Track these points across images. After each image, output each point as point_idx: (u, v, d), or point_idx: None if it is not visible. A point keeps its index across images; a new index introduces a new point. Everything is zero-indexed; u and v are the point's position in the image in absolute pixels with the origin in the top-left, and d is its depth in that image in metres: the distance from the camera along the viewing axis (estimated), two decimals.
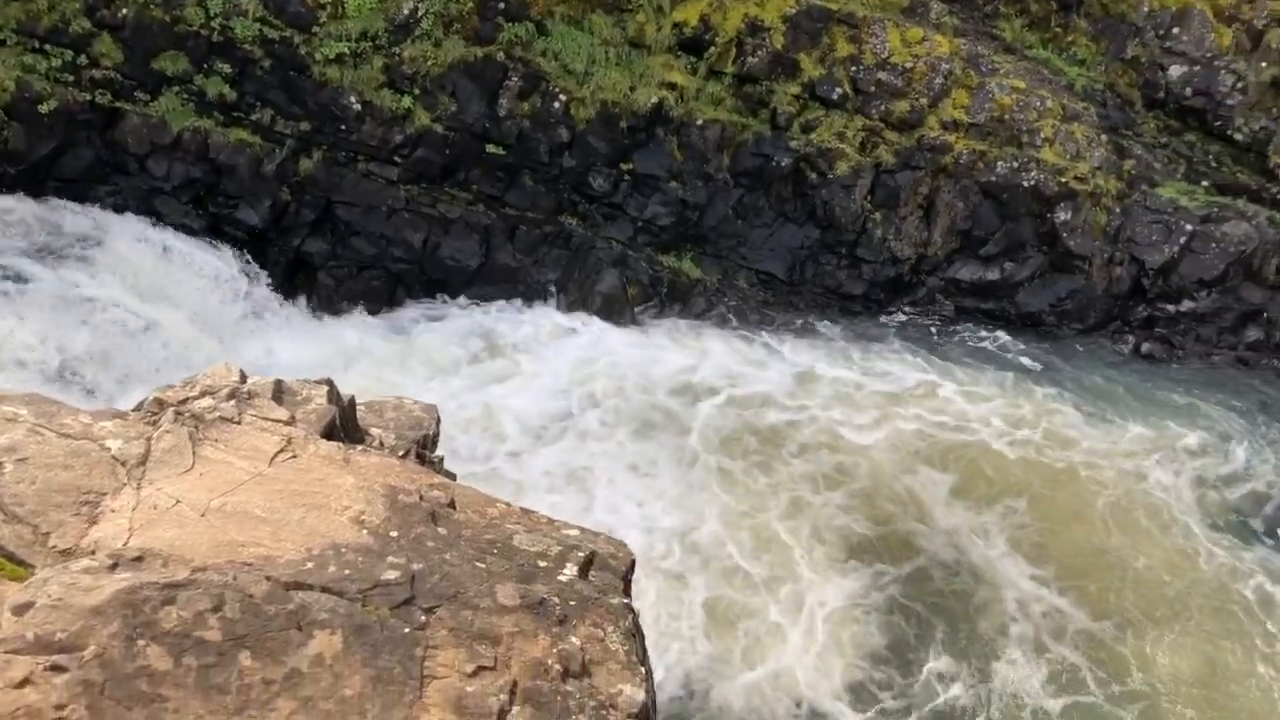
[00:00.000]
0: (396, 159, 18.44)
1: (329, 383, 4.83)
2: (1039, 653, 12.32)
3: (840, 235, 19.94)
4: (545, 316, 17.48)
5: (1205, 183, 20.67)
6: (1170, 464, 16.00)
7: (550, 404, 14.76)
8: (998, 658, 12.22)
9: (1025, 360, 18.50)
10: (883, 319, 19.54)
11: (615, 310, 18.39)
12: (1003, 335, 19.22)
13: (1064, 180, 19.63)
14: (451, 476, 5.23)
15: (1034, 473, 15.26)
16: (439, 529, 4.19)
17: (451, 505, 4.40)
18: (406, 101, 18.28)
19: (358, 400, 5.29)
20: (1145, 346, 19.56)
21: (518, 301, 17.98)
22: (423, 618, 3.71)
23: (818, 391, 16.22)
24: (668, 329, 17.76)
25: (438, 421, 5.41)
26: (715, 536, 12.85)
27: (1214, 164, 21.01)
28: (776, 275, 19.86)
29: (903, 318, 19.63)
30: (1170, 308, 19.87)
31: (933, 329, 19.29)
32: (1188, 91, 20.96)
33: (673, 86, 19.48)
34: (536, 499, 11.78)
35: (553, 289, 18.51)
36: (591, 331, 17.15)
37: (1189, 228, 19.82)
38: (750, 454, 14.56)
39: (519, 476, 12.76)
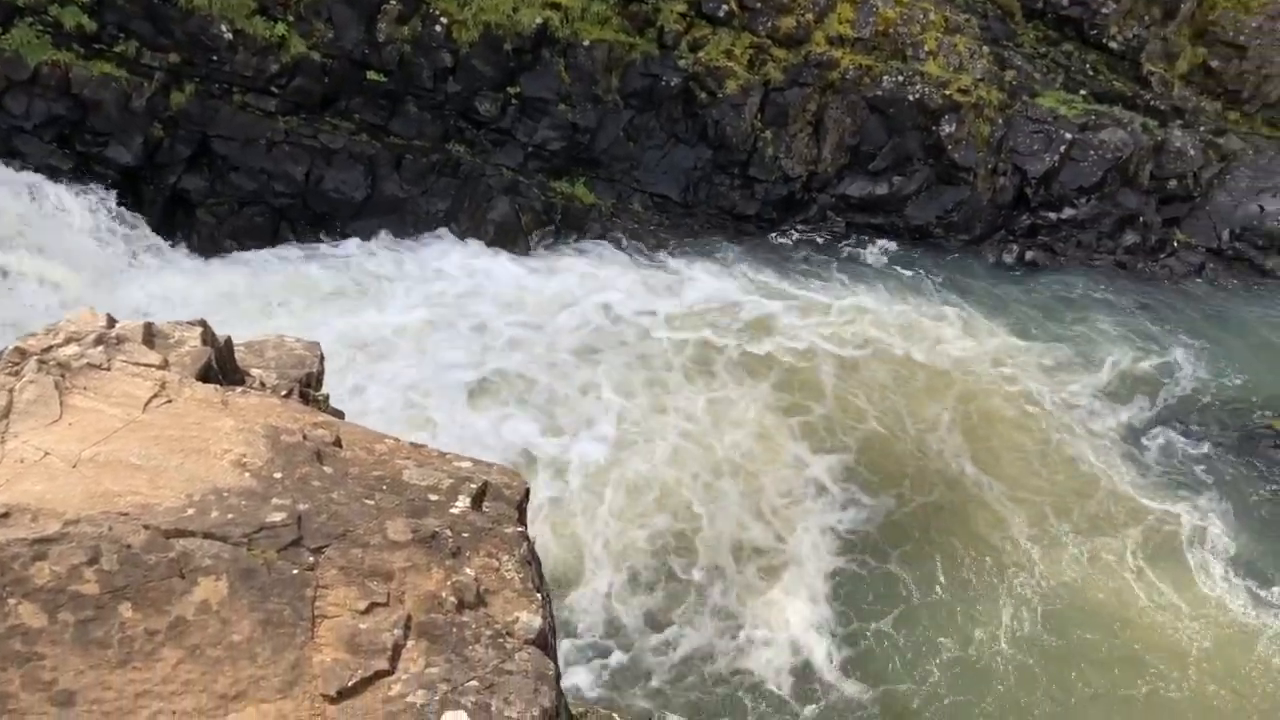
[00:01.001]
0: (273, 89, 17.76)
1: (203, 323, 4.66)
2: (920, 549, 12.75)
3: (732, 155, 19.93)
4: (436, 247, 17.15)
5: (1083, 91, 21.15)
6: (1049, 366, 16.59)
7: (444, 337, 14.56)
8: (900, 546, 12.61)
9: (913, 272, 18.88)
10: (777, 238, 19.70)
11: (509, 239, 18.15)
12: (893, 248, 19.55)
13: (948, 93, 19.89)
14: (339, 415, 5.12)
15: (920, 379, 15.67)
16: (325, 468, 4.10)
17: (337, 443, 4.31)
18: (280, 29, 17.56)
19: (237, 341, 5.12)
20: (1029, 254, 20.11)
21: (407, 233, 17.59)
22: (311, 558, 3.64)
23: (714, 312, 16.33)
24: (562, 255, 17.63)
25: (321, 359, 5.28)
26: (613, 457, 12.94)
27: (1091, 72, 21.50)
28: (671, 197, 19.81)
29: (796, 236, 19.80)
30: (1052, 215, 20.42)
31: (825, 246, 19.52)
32: (1065, 1, 21.33)
33: (557, 6, 19.09)
34: (431, 434, 11.69)
35: (443, 219, 18.16)
36: (484, 261, 16.92)
37: (1068, 136, 20.31)
38: (648, 375, 14.62)
39: (408, 411, 12.60)
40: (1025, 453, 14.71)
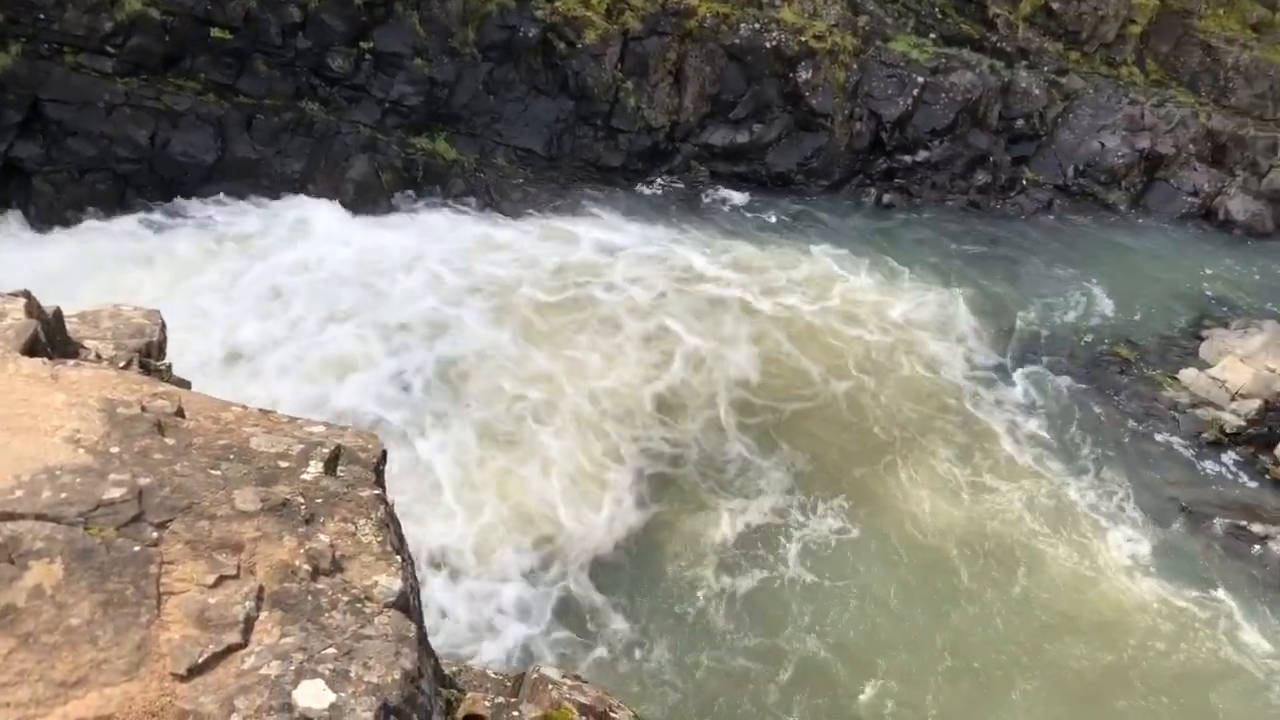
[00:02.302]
0: (109, 49, 16.83)
1: (26, 294, 4.41)
2: (797, 481, 13.05)
3: (594, 106, 19.82)
4: (292, 209, 16.60)
5: (933, 35, 21.65)
6: (907, 306, 17.08)
7: (294, 302, 14.13)
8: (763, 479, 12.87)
9: (775, 219, 19.14)
10: (643, 189, 19.69)
11: (369, 198, 17.69)
12: (756, 196, 19.77)
13: (803, 39, 20.11)
14: (185, 385, 4.93)
15: (781, 322, 15.95)
16: (167, 439, 3.94)
17: (180, 414, 4.15)
18: None
19: (69, 312, 4.87)
20: (887, 197, 20.60)
21: (262, 195, 16.96)
22: (154, 534, 3.51)
23: (580, 265, 16.26)
24: (424, 213, 17.28)
25: (162, 327, 5.06)
26: (471, 421, 12.86)
27: (940, 16, 22.00)
28: (535, 151, 19.60)
29: (662, 186, 19.84)
30: (907, 158, 20.94)
31: (690, 195, 19.62)
32: None
33: None
34: (290, 400, 11.39)
35: (300, 180, 17.58)
36: (341, 222, 16.45)
37: (920, 80, 20.79)
38: (513, 332, 14.52)
39: (254, 381, 12.20)
40: (892, 390, 15.13)
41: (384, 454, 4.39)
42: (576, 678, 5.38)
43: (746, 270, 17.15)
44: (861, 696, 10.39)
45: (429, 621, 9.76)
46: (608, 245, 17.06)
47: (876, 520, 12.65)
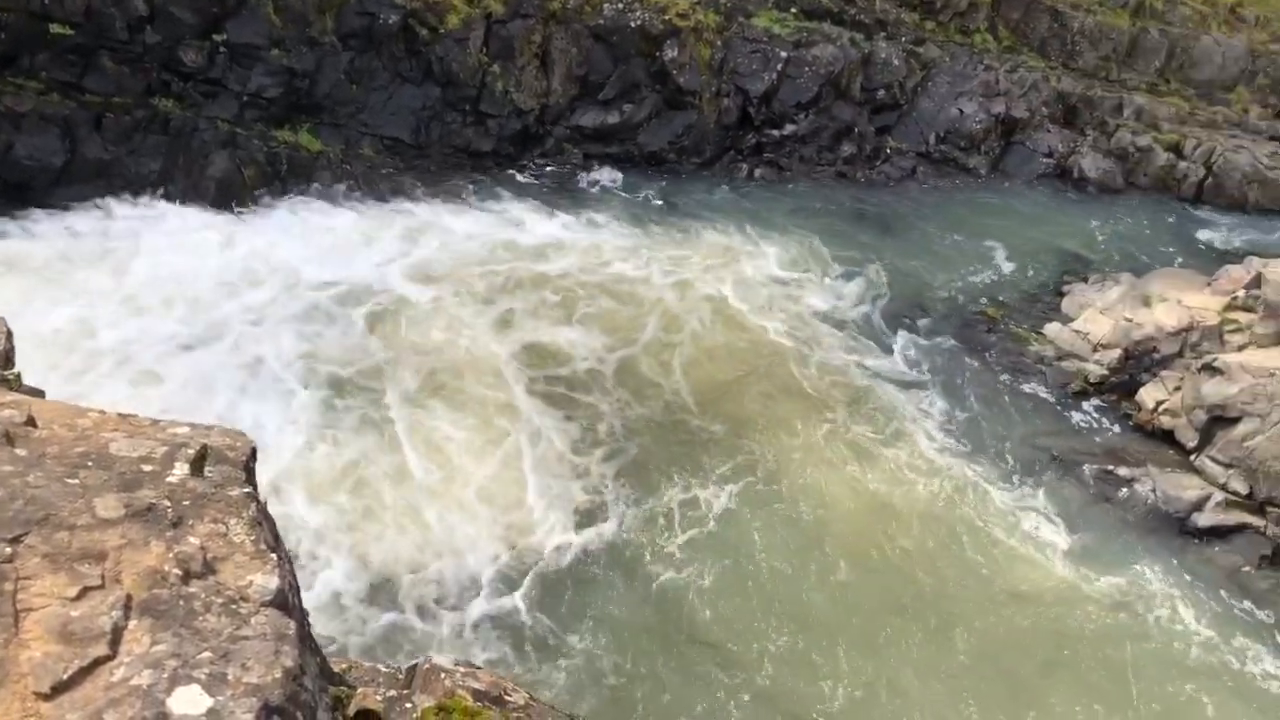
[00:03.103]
0: None
1: None
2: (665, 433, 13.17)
3: (461, 92, 19.56)
4: (150, 210, 15.96)
5: (794, 9, 21.97)
6: (781, 277, 17.37)
7: (148, 309, 13.60)
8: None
9: (649, 198, 19.23)
10: (515, 174, 19.54)
11: (232, 195, 17.11)
12: (629, 177, 19.81)
13: (667, 18, 20.20)
14: (38, 394, 4.70)
15: (658, 302, 16.05)
16: (17, 450, 3.76)
17: (31, 423, 3.96)
18: None
19: None
20: (758, 172, 20.88)
21: (117, 197, 16.26)
22: (8, 549, 3.34)
23: (453, 255, 16.05)
24: (289, 209, 16.80)
25: (8, 335, 4.82)
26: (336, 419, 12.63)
27: None
28: (402, 139, 19.25)
29: (534, 170, 19.71)
30: (775, 133, 21.24)
31: (564, 178, 19.55)
32: None
33: None
34: (154, 406, 10.99)
35: (157, 180, 16.90)
36: (205, 222, 15.90)
37: (784, 55, 21.10)
38: (390, 328, 14.29)
39: (123, 386, 11.73)
40: (771, 364, 15.36)
41: (253, 451, 4.27)
42: (470, 665, 5.34)
43: (623, 251, 17.19)
44: (755, 667, 10.56)
45: (333, 623, 9.57)
46: (480, 233, 16.88)
47: (761, 493, 12.84)
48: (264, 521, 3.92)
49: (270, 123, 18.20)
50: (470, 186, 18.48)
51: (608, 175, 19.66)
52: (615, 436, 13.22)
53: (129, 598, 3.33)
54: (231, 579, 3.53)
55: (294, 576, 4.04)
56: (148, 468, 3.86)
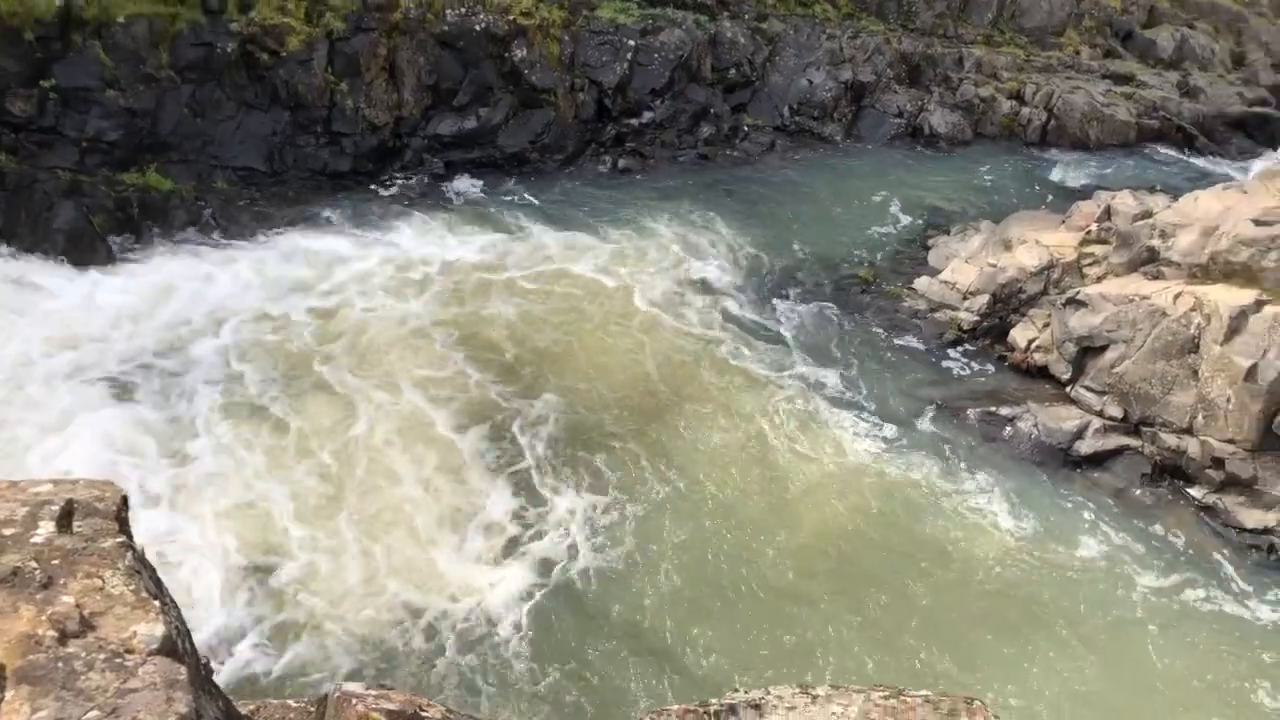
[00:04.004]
0: None
1: None
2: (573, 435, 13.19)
3: (311, 113, 19.18)
4: None
5: None
6: (652, 264, 17.48)
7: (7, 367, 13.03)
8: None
9: (515, 199, 19.15)
10: (378, 190, 19.22)
11: (84, 246, 16.39)
12: (493, 180, 19.70)
13: (512, 18, 20.12)
14: None
15: (534, 299, 16.03)
16: None
17: None
18: None
19: None
20: (622, 162, 20.97)
21: None
22: None
23: (322, 280, 15.73)
24: (145, 252, 16.21)
25: None
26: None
27: None
28: (256, 168, 18.78)
29: (397, 184, 19.43)
30: (634, 121, 21.37)
31: (427, 189, 19.32)
32: None
33: None
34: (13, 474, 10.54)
35: None
36: (54, 276, 15.24)
37: (632, 43, 21.23)
38: (269, 365, 13.95)
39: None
40: (655, 347, 15.44)
41: (124, 499, 4.13)
42: (383, 686, 5.26)
43: (495, 254, 17.09)
44: (678, 651, 10.63)
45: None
46: (345, 254, 16.58)
47: (657, 481, 12.91)
48: (143, 569, 3.79)
49: (115, 166, 17.55)
50: (333, 207, 18.12)
51: (471, 181, 19.51)
52: (508, 449, 13.14)
53: (2, 668, 3.19)
54: (113, 632, 3.41)
55: (182, 621, 3.93)
56: (9, 531, 3.70)
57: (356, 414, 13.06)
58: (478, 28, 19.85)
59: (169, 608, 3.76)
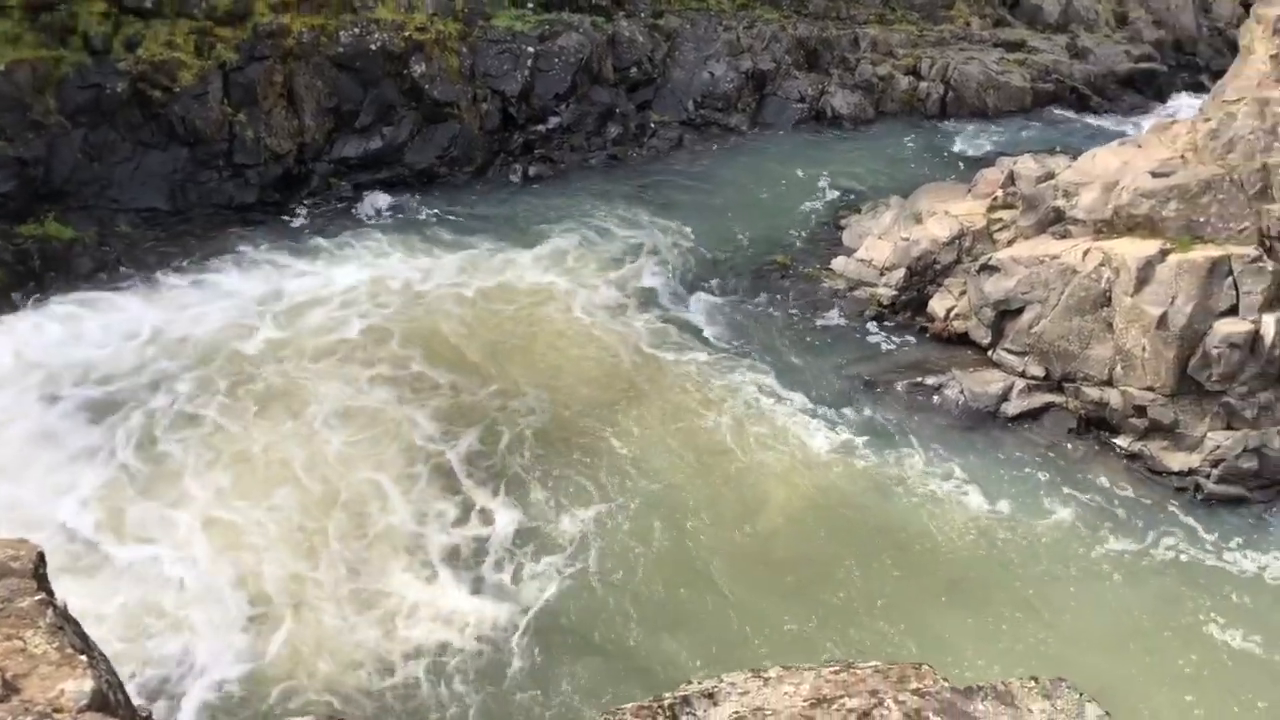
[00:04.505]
0: None
1: None
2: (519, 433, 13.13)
3: (211, 148, 18.80)
4: None
5: (530, 4, 22.04)
6: (572, 269, 17.46)
7: None
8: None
9: (425, 217, 18.96)
10: (288, 219, 18.88)
11: None
12: (404, 199, 19.48)
13: (407, 34, 19.93)
14: None
15: (455, 316, 15.89)
16: None
17: None
18: None
19: None
20: (532, 170, 20.87)
21: None
22: None
23: (233, 319, 15.40)
24: (52, 306, 15.73)
25: None
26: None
27: None
28: (160, 208, 18.34)
29: (307, 211, 19.10)
30: (540, 128, 21.30)
31: (338, 213, 19.04)
32: None
33: None
34: None
35: None
36: None
37: (531, 50, 21.16)
38: (180, 411, 13.66)
39: None
40: (582, 354, 15.41)
41: (40, 556, 4.01)
42: (333, 714, 5.19)
43: (410, 273, 16.92)
44: (628, 647, 10.64)
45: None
46: (261, 286, 16.27)
47: (601, 480, 12.90)
48: (66, 625, 3.68)
49: (11, 219, 17.02)
50: (242, 242, 17.75)
51: (381, 202, 19.26)
52: (441, 466, 13.02)
53: None
54: (39, 693, 3.31)
55: (113, 673, 3.82)
56: None
57: (284, 450, 12.84)
58: (374, 47, 19.63)
59: (97, 661, 3.66)
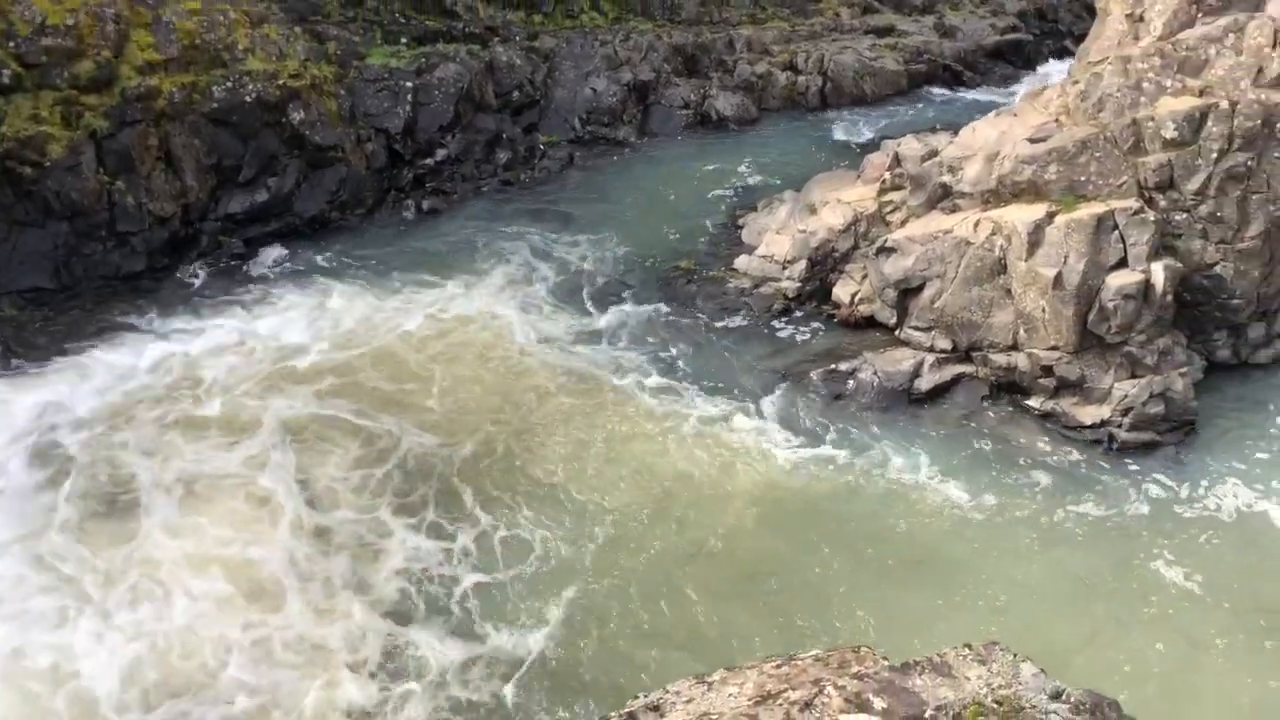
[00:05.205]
0: None
1: None
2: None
3: (91, 219, 18.23)
4: None
5: (404, 39, 21.91)
6: (474, 301, 17.31)
7: None
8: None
9: (322, 261, 18.66)
10: (181, 283, 18.37)
11: None
12: (297, 248, 19.15)
13: (281, 82, 19.62)
14: None
15: (365, 359, 15.67)
16: None
17: None
18: None
19: None
20: (425, 204, 20.70)
21: None
22: None
23: (136, 392, 14.94)
24: None
25: None
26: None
27: (403, 20, 22.31)
28: (45, 287, 17.73)
29: (198, 272, 18.63)
30: (429, 161, 21.15)
31: (230, 270, 18.62)
32: None
33: None
34: None
35: None
36: None
37: (409, 85, 21.02)
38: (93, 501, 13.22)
39: None
40: (496, 382, 15.28)
41: None
42: None
43: (311, 322, 16.63)
44: (583, 653, 10.56)
45: None
46: (158, 355, 15.79)
47: (532, 503, 12.81)
48: None
49: None
50: (134, 313, 17.22)
51: (275, 254, 18.89)
52: (358, 512, 12.80)
53: None
54: None
55: None
56: None
57: (195, 520, 12.50)
58: (249, 99, 19.28)
59: None
